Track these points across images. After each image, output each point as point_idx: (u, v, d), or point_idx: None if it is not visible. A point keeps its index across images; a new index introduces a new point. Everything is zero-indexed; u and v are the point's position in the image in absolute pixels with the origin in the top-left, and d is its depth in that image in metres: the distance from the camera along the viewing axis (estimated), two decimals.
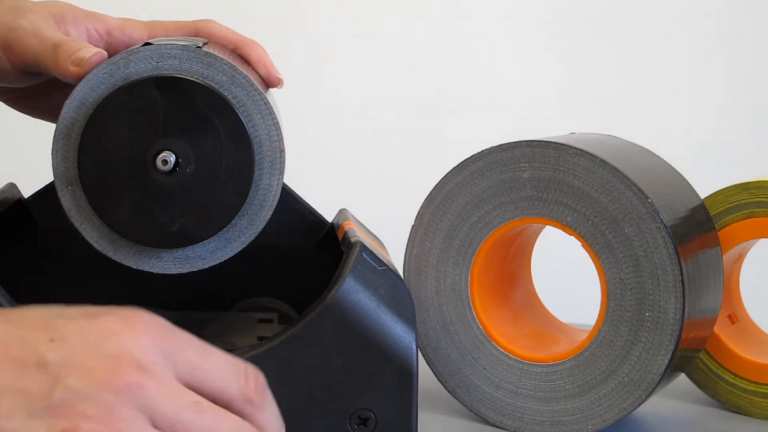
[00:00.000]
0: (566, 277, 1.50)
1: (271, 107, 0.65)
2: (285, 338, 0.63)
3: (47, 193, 0.72)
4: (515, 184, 0.73)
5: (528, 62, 1.84)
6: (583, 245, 0.72)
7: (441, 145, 1.76)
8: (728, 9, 1.82)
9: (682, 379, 0.80)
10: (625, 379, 0.71)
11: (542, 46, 1.84)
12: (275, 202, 0.66)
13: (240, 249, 0.66)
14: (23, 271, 0.74)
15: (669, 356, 0.70)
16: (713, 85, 1.83)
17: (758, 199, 0.77)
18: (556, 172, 0.72)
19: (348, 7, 1.84)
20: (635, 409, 0.71)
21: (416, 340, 0.65)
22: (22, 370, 0.43)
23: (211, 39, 0.71)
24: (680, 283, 0.69)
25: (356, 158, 1.84)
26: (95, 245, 0.66)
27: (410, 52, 1.84)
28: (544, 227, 0.79)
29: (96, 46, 0.68)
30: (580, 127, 1.02)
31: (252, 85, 0.64)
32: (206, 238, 0.65)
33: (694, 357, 0.78)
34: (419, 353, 0.68)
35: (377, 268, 0.65)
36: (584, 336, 0.73)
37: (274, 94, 0.72)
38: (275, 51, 0.74)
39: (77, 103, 0.64)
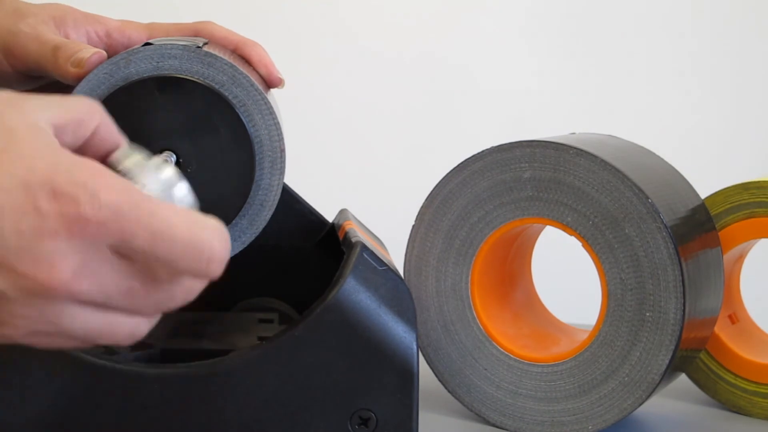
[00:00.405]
0: (566, 277, 1.50)
1: (271, 107, 0.65)
2: (286, 338, 0.63)
3: None
4: (516, 185, 0.73)
5: (528, 62, 1.84)
6: (583, 245, 0.72)
7: (441, 145, 1.76)
8: (731, 9, 1.82)
9: (682, 379, 0.80)
10: (626, 379, 0.71)
11: (543, 46, 1.84)
12: (276, 202, 0.66)
13: (241, 249, 0.66)
14: None
15: (669, 356, 0.70)
16: (714, 85, 1.83)
17: (759, 199, 0.77)
18: (557, 172, 0.72)
19: (348, 7, 1.84)
20: (636, 409, 0.71)
21: (417, 341, 0.65)
22: None
23: (211, 40, 0.71)
24: (681, 284, 0.69)
25: (356, 158, 1.84)
26: None
27: (410, 52, 1.84)
28: (544, 227, 0.79)
29: (96, 48, 0.68)
30: (580, 127, 1.02)
31: (252, 84, 0.64)
32: None
33: (694, 357, 0.78)
34: (420, 353, 0.68)
35: (378, 269, 0.65)
36: (585, 336, 0.74)
37: (274, 95, 0.72)
38: (275, 52, 0.74)
39: None
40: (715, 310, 0.76)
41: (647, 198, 0.70)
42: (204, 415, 0.63)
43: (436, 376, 0.76)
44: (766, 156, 1.81)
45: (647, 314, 0.70)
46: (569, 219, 0.72)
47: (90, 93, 0.64)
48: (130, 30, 0.72)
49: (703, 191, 0.79)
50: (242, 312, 0.77)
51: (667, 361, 0.70)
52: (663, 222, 0.70)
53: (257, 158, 0.65)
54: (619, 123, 1.71)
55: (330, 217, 0.78)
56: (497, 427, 0.75)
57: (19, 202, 0.45)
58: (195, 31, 0.72)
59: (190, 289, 0.50)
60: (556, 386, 0.73)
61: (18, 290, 0.46)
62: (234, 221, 0.65)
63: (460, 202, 0.75)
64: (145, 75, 0.64)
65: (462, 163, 0.75)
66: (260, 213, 0.66)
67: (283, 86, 0.70)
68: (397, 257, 0.75)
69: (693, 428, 0.77)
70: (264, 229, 0.66)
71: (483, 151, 0.74)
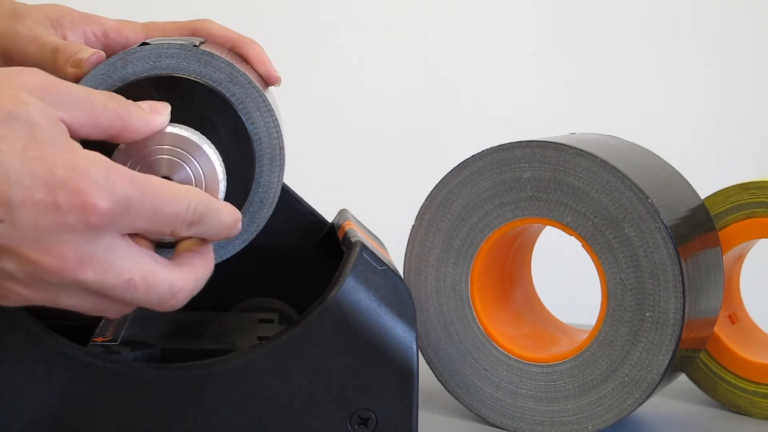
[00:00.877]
0: (566, 277, 1.50)
1: (270, 105, 0.65)
2: (286, 338, 0.63)
3: None
4: (515, 185, 0.73)
5: (528, 62, 1.84)
6: (583, 245, 0.72)
7: (441, 146, 1.76)
8: (731, 9, 1.82)
9: (682, 379, 0.80)
10: (626, 379, 0.71)
11: (543, 46, 1.84)
12: (276, 200, 0.66)
13: (242, 247, 0.66)
14: None
15: (669, 356, 0.70)
16: (714, 85, 1.83)
17: (759, 199, 0.77)
18: (557, 173, 0.72)
19: (347, 7, 1.84)
20: (635, 409, 0.71)
21: (417, 340, 0.65)
22: None
23: (209, 38, 0.71)
24: (680, 284, 0.69)
25: (356, 158, 1.84)
26: None
27: (410, 53, 1.84)
28: (544, 227, 0.79)
29: (93, 48, 0.68)
30: (580, 127, 1.02)
31: (250, 82, 0.64)
32: None
33: (694, 357, 0.78)
34: (419, 353, 0.68)
35: (378, 268, 0.65)
36: (584, 336, 0.73)
37: (273, 93, 0.72)
38: (274, 50, 0.74)
39: None
40: (715, 310, 0.76)
41: (647, 198, 0.70)
42: (204, 415, 0.63)
43: (436, 376, 0.76)
44: (766, 156, 1.81)
45: (647, 314, 0.70)
46: (569, 219, 0.72)
47: None
48: (127, 30, 0.72)
49: (703, 191, 0.79)
50: (242, 312, 0.77)
51: (666, 361, 0.70)
52: (663, 222, 0.69)
53: (257, 156, 0.65)
54: (619, 123, 1.71)
55: (330, 217, 0.78)
56: (497, 427, 0.75)
57: (39, 199, 0.50)
58: (192, 29, 0.72)
59: (196, 280, 0.58)
60: (555, 386, 0.73)
61: (26, 274, 0.51)
62: None
63: (459, 202, 0.75)
64: (142, 75, 0.64)
65: (462, 163, 0.75)
66: (260, 210, 0.66)
67: (280, 84, 0.70)
68: (397, 257, 0.75)
69: (693, 428, 0.77)
70: (264, 229, 0.66)
71: (483, 151, 0.74)
